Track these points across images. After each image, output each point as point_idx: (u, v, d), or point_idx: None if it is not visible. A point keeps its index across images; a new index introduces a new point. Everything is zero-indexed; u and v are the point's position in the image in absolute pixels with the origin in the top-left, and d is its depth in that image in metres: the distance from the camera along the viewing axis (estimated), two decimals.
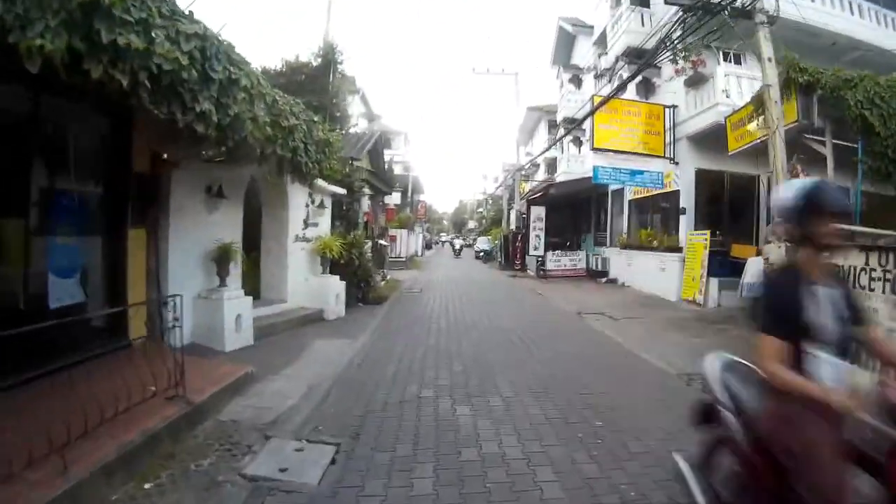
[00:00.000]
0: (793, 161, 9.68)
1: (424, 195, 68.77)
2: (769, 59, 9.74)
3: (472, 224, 77.13)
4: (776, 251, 8.69)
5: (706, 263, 15.73)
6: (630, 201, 22.10)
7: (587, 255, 24.90)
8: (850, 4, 17.22)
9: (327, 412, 6.38)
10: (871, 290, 6.65)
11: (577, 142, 27.67)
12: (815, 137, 11.19)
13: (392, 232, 31.49)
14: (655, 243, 18.68)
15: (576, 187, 25.31)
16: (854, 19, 17.06)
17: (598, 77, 23.99)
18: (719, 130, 15.07)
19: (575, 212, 27.99)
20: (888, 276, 6.45)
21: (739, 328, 12.91)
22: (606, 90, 20.45)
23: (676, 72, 16.36)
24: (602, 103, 17.09)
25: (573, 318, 14.24)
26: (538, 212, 25.65)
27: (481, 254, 42.18)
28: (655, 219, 20.29)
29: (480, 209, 69.93)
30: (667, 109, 17.73)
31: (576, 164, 27.56)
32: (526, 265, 26.09)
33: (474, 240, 55.67)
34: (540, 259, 24.97)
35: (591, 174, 24.22)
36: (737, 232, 16.94)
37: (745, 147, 13.17)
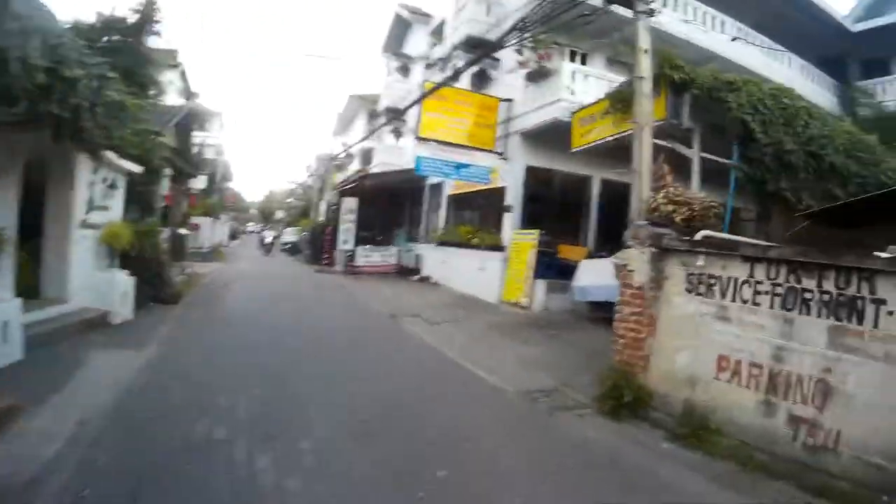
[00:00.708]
0: (659, 161, 8.06)
1: (233, 182, 63.54)
2: (646, 51, 8.09)
3: (280, 214, 72.51)
4: (638, 257, 7.00)
5: (533, 264, 14.13)
6: (449, 196, 20.33)
7: (399, 251, 22.69)
8: (713, 19, 16.86)
9: (97, 464, 4.38)
10: (756, 304, 5.65)
11: (397, 133, 25.49)
12: (667, 144, 9.70)
13: (195, 220, 27.67)
14: (476, 241, 16.89)
15: (392, 179, 23.19)
16: (713, 34, 16.68)
17: (429, 66, 21.98)
18: (559, 127, 13.63)
19: (389, 205, 25.77)
20: (777, 290, 5.47)
21: (572, 333, 11.37)
22: (437, 80, 18.65)
23: (521, 64, 14.85)
24: (433, 90, 15.00)
25: (388, 323, 12.19)
26: (350, 203, 23.03)
27: (287, 246, 38.25)
28: (477, 216, 18.62)
29: (290, 199, 65.71)
30: (502, 102, 15.94)
31: (393, 156, 25.46)
32: (335, 260, 23.35)
33: (280, 232, 51.87)
34: (350, 254, 22.38)
35: (409, 166, 22.27)
36: (565, 233, 15.71)
37: (592, 145, 11.75)
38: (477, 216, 18.51)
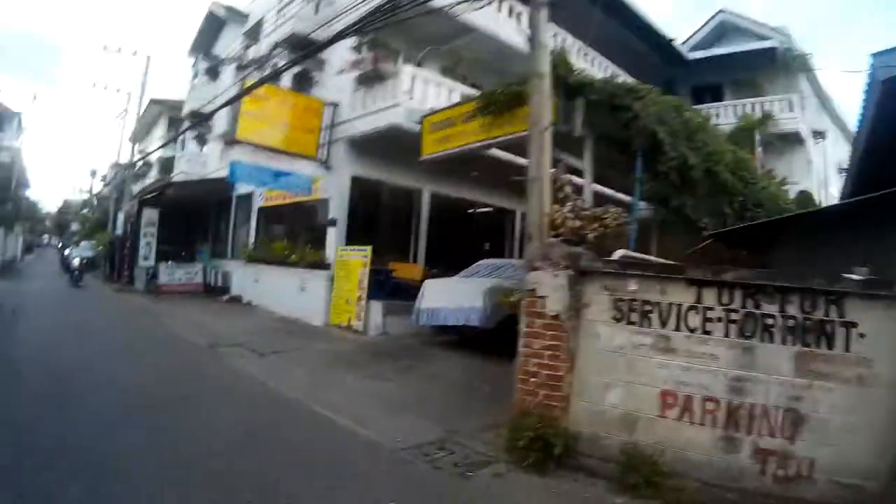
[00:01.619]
0: (557, 168, 6.39)
1: (30, 190, 53.88)
2: (544, 46, 6.37)
3: (75, 226, 62.67)
4: (551, 281, 5.39)
5: (365, 284, 11.97)
6: (260, 209, 17.49)
7: (205, 269, 19.27)
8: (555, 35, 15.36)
9: None
10: (707, 332, 4.67)
11: (201, 140, 21.97)
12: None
13: None
14: (294, 258, 14.34)
15: (197, 189, 19.93)
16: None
17: (241, 68, 18.95)
18: (393, 135, 12.02)
19: (191, 218, 22.12)
20: (733, 316, 4.59)
21: (426, 363, 9.43)
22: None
23: (354, 65, 12.85)
24: (254, 86, 12.28)
25: (209, 356, 9.56)
26: (151, 215, 19.22)
27: (84, 261, 31.50)
28: (294, 230, 16.03)
29: (86, 209, 56.82)
30: (327, 106, 13.61)
31: (196, 165, 21.94)
32: (135, 277, 19.31)
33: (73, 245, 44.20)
34: (151, 271, 18.55)
35: (215, 175, 19.59)
36: (393, 250, 13.86)
37: (451, 152, 9.95)
38: (293, 230, 15.95)
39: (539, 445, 4.89)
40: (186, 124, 21.23)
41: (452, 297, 10.28)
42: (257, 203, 17.44)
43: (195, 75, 22.73)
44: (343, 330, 12.19)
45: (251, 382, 7.73)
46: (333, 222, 13.32)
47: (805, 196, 13.72)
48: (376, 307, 12.02)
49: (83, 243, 36.85)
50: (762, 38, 20.75)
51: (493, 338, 9.43)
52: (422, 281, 12.29)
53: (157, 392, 6.82)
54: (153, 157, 26.54)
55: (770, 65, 19.56)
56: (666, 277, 4.88)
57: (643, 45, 18.82)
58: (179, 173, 21.74)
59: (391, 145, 12.85)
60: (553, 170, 6.24)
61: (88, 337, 10.29)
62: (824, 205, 13.76)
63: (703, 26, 22.99)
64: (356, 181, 13.56)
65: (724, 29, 22.57)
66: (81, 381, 6.98)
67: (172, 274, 18.42)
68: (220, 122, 19.89)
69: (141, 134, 30.77)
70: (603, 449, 4.92)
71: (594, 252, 5.46)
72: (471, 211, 17.31)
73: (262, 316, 14.24)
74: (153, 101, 27.02)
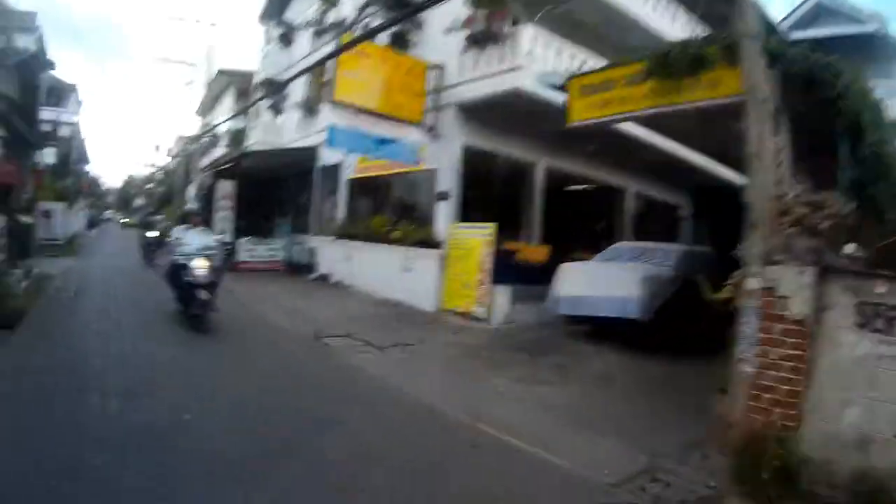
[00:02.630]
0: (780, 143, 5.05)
1: (90, 166, 53.89)
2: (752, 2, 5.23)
3: (139, 202, 62.61)
4: (795, 279, 4.44)
5: (488, 266, 10.53)
6: (350, 180, 16.01)
7: (287, 245, 18.07)
8: None
9: None
10: None
11: (276, 109, 20.59)
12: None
13: (46, 205, 21.26)
14: (397, 235, 12.92)
15: (274, 160, 18.55)
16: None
17: (319, 34, 17.50)
18: (511, 100, 10.77)
19: (268, 191, 20.85)
20: None
21: (577, 359, 8.10)
22: (329, 49, 14.57)
23: (466, 22, 11.30)
24: (351, 44, 10.67)
25: (318, 351, 8.21)
26: (227, 188, 17.94)
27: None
28: (391, 204, 14.54)
29: (150, 185, 56.47)
30: (431, 69, 12.11)
31: (272, 134, 20.53)
32: None
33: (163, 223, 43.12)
34: (229, 248, 17.46)
35: (294, 145, 18.30)
36: (507, 228, 12.15)
37: (606, 120, 8.14)
38: (391, 205, 14.49)
39: (781, 475, 4.04)
40: (260, 93, 19.93)
41: (599, 284, 8.94)
42: (346, 174, 16.01)
43: (267, 42, 21.27)
44: (460, 317, 10.79)
45: (383, 389, 6.41)
46: (445, 196, 11.90)
47: None
48: (502, 293, 10.61)
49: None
50: (857, 21, 19.07)
51: (646, 331, 8.38)
52: (546, 264, 11.14)
53: (275, 408, 5.45)
54: (222, 129, 25.36)
55: (866, 50, 17.57)
56: None
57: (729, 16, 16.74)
58: (253, 143, 20.42)
59: (506, 112, 11.46)
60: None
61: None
62: None
63: (799, 6, 21.14)
64: (467, 151, 12.04)
65: (818, 11, 20.76)
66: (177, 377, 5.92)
67: (253, 251, 17.14)
68: (297, 90, 18.59)
69: (208, 106, 29.62)
70: (831, 474, 4.18)
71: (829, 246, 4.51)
72: (571, 188, 15.74)
73: (360, 298, 12.86)
74: (221, 72, 25.70)
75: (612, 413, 5.95)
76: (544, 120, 10.31)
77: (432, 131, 12.11)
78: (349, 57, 10.70)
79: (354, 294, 13.50)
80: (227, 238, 17.30)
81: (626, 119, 8.27)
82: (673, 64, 6.59)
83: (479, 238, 10.85)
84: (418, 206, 13.20)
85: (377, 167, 14.15)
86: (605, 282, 8.93)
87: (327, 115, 15.76)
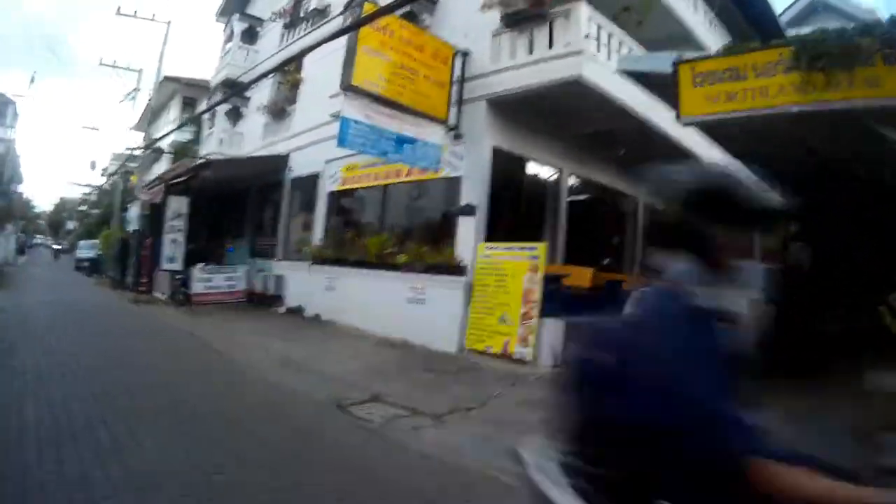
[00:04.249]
0: None
1: (23, 185, 48.80)
2: None
3: (71, 225, 57.39)
4: None
5: (537, 296, 8.19)
6: (331, 193, 13.30)
7: (250, 273, 15.16)
8: None
9: None
10: None
11: (235, 114, 17.75)
12: None
13: None
14: (402, 258, 10.41)
15: (237, 172, 15.75)
16: None
17: (292, 25, 15.03)
18: (559, 92, 8.87)
19: (223, 209, 17.91)
20: None
21: None
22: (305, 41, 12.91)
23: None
24: (374, 16, 8.10)
25: (344, 425, 5.61)
26: (179, 205, 14.86)
27: (85, 264, 27.04)
28: (391, 221, 12.01)
29: (83, 206, 51.47)
30: (458, 55, 9.85)
31: (231, 144, 17.73)
32: (155, 284, 15.21)
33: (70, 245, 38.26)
34: (180, 276, 14.43)
35: (257, 153, 15.81)
36: None
37: (737, 115, 6.25)
38: (391, 221, 11.96)
39: None
40: (218, 97, 17.16)
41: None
42: (326, 186, 13.33)
43: (228, 39, 18.46)
44: (496, 359, 8.39)
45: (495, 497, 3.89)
46: (471, 210, 9.50)
47: None
48: (553, 328, 8.26)
49: (82, 242, 31.74)
50: (854, 18, 18.52)
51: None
52: (593, 289, 9.37)
53: None
54: (166, 143, 22.26)
55: None
56: None
57: (742, 14, 15.53)
58: (208, 155, 17.46)
59: (543, 110, 9.62)
60: None
61: (124, 374, 6.51)
62: None
63: (795, 2, 20.54)
64: (498, 155, 9.83)
65: (814, 7, 20.18)
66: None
67: (210, 280, 14.22)
68: (262, 94, 16.02)
69: (148, 120, 26.19)
70: None
71: None
72: (590, 198, 13.86)
73: (355, 339, 10.15)
74: (167, 79, 22.48)
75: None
76: (581, 119, 9.50)
77: (455, 130, 9.80)
78: (371, 32, 8.32)
79: (344, 333, 10.77)
80: (178, 265, 14.37)
81: (763, 116, 6.25)
82: (828, 54, 5.35)
83: (523, 261, 8.51)
84: (430, 223, 10.79)
85: (372, 176, 11.71)
86: None
87: (302, 112, 14.08)
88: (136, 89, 23.33)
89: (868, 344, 7.17)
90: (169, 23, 19.89)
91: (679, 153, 11.48)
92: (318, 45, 8.93)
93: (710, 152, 12.70)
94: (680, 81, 6.57)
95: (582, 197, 12.59)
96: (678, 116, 6.55)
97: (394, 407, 5.99)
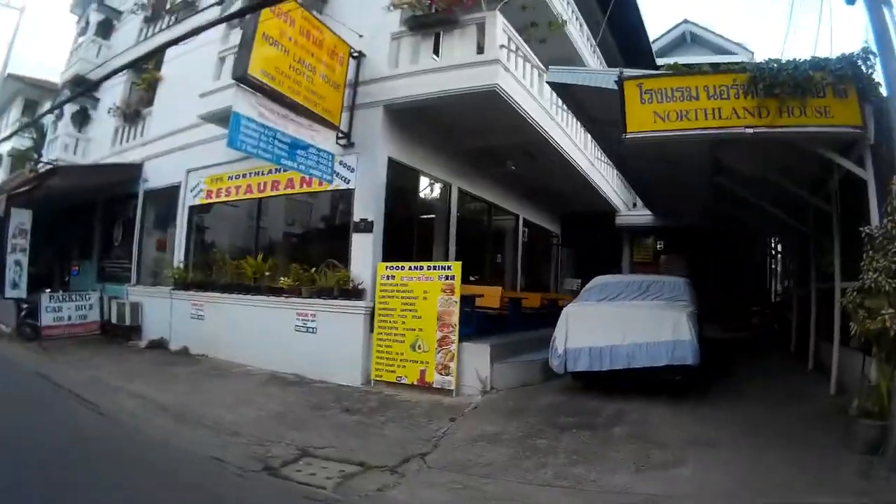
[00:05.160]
0: None
1: None
2: None
3: None
4: None
5: (454, 319, 7.51)
6: (194, 207, 11.57)
7: (102, 300, 12.87)
8: None
9: None
10: None
11: (83, 116, 15.32)
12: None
13: None
14: (285, 281, 9.19)
15: (89, 180, 13.33)
16: None
17: (154, 19, 13.29)
18: (458, 103, 8.42)
19: (65, 224, 15.33)
20: None
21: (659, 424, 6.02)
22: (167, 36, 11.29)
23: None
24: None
25: (278, 496, 4.47)
26: (22, 219, 12.40)
27: None
28: (265, 239, 10.79)
29: None
30: (354, 57, 8.88)
31: (76, 151, 15.22)
32: None
33: None
34: (27, 306, 12.00)
35: (109, 160, 13.87)
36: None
37: (686, 134, 6.30)
38: (266, 240, 10.73)
39: None
40: (65, 95, 14.78)
41: (630, 329, 7.03)
42: (188, 200, 11.57)
43: (82, 32, 15.95)
44: (414, 390, 7.58)
45: None
46: (368, 226, 8.52)
47: None
48: (477, 352, 7.58)
49: None
50: (724, 51, 20.35)
51: (689, 377, 7.06)
52: (501, 309, 9.29)
53: None
54: (3, 149, 18.98)
55: None
56: None
57: (617, 43, 16.17)
58: (55, 161, 14.71)
59: (442, 120, 9.20)
60: None
61: None
62: None
63: (665, 33, 22.10)
64: (392, 167, 8.96)
65: (684, 39, 21.72)
66: None
67: (59, 310, 11.85)
68: (113, 95, 14.01)
69: None
70: None
71: None
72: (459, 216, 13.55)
73: (236, 376, 8.70)
74: (11, 77, 19.20)
75: None
76: (475, 132, 9.52)
77: (347, 137, 8.81)
78: (272, 17, 7.15)
79: (223, 369, 9.17)
80: (21, 293, 12.02)
81: (716, 137, 6.47)
82: (782, 84, 5.65)
83: (435, 282, 7.70)
84: (318, 242, 9.72)
85: (244, 188, 10.36)
86: (637, 325, 7.07)
87: (160, 115, 12.71)
88: None
89: None
90: (23, 9, 16.82)
91: (567, 170, 11.54)
92: (195, 33, 7.70)
93: (591, 170, 12.99)
94: (626, 97, 6.35)
95: (469, 213, 12.16)
96: (623, 132, 6.30)
97: (334, 462, 4.93)
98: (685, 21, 21.75)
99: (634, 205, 17.06)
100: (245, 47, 7.04)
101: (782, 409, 6.58)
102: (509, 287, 13.25)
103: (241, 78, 7.04)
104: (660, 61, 18.66)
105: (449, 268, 7.72)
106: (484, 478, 4.64)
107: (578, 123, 11.78)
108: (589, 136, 12.55)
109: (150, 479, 4.49)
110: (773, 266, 18.00)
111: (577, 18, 12.85)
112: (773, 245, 17.17)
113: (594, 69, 7.83)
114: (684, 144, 7.02)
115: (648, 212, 16.11)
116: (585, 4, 13.06)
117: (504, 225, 14.41)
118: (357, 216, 8.69)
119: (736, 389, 7.69)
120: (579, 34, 12.87)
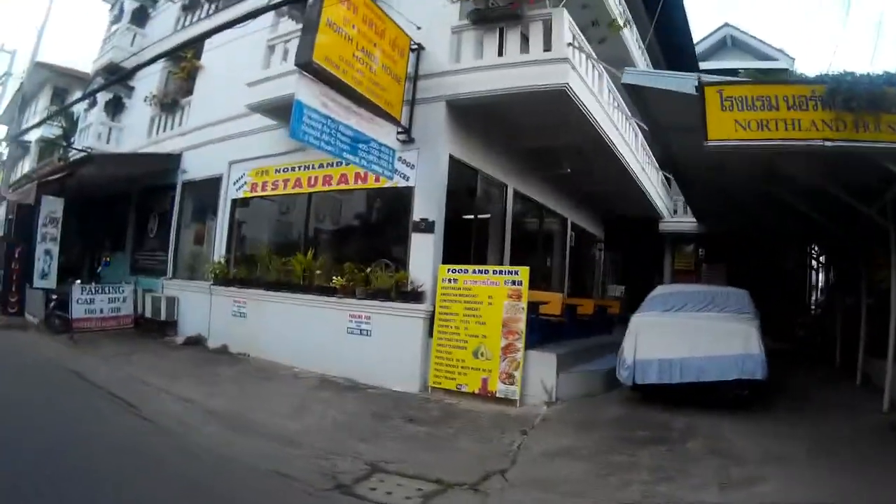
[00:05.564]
0: None
1: None
2: None
3: None
4: None
5: (521, 327, 7.10)
6: (237, 201, 11.20)
7: (136, 293, 12.52)
8: None
9: None
10: None
11: (116, 105, 15.04)
12: None
13: None
14: (338, 281, 8.78)
15: (122, 170, 13.00)
16: None
17: (192, 7, 13.01)
18: (524, 101, 8.07)
19: (99, 215, 15.05)
20: None
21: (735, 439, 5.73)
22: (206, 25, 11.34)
23: None
24: None
25: None
26: (53, 207, 12.05)
27: None
28: (315, 236, 10.32)
29: None
30: (412, 50, 8.48)
31: (109, 140, 14.96)
32: (25, 304, 12.28)
33: None
34: (57, 297, 11.71)
35: (145, 150, 13.47)
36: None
37: (772, 144, 5.94)
38: (308, 236, 10.25)
39: None
40: (98, 83, 14.50)
41: (696, 342, 6.86)
42: (231, 192, 11.23)
43: (115, 20, 15.67)
44: (476, 399, 7.20)
45: None
46: (428, 226, 8.15)
47: None
48: (543, 361, 7.21)
49: None
50: (765, 57, 19.97)
51: (757, 391, 6.93)
52: (560, 316, 9.28)
53: None
54: (32, 137, 18.72)
55: None
56: None
57: (656, 41, 15.81)
58: (86, 149, 14.48)
59: (502, 119, 8.86)
60: None
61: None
62: None
63: (706, 36, 21.73)
64: (453, 165, 8.58)
65: (725, 43, 21.47)
66: None
67: (92, 303, 11.47)
68: (148, 83, 13.70)
69: (17, 110, 22.09)
70: None
71: None
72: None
73: (284, 378, 8.35)
74: (39, 65, 18.87)
75: None
76: (533, 132, 9.36)
77: (408, 133, 8.45)
78: (336, 4, 6.78)
79: (269, 371, 8.79)
80: (51, 284, 11.73)
81: (798, 149, 6.04)
82: (859, 96, 5.41)
83: (501, 287, 7.32)
84: (373, 241, 9.34)
85: (292, 182, 10.01)
86: (707, 338, 6.90)
87: (199, 105, 12.51)
88: (8, 73, 19.53)
89: None
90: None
91: (619, 173, 11.22)
92: (243, 19, 7.42)
93: (641, 174, 12.62)
94: (707, 104, 5.96)
95: (522, 216, 11.79)
96: (705, 139, 5.92)
97: (409, 479, 4.55)
98: (726, 25, 21.45)
99: (675, 211, 16.70)
100: (309, 32, 6.64)
101: (845, 424, 6.50)
102: (557, 292, 12.94)
103: (306, 65, 6.63)
104: (702, 65, 18.40)
105: (516, 272, 7.34)
106: (571, 497, 4.36)
107: (630, 125, 11.47)
108: (639, 139, 12.24)
109: (209, 498, 4.14)
110: (814, 277, 17.58)
111: (627, 19, 12.51)
112: (812, 255, 16.75)
113: (669, 73, 7.41)
114: (744, 152, 6.70)
115: (691, 219, 15.71)
116: (632, 4, 12.69)
117: (553, 228, 14.02)
118: (417, 215, 8.30)
119: (793, 404, 7.56)
120: (630, 34, 12.50)
